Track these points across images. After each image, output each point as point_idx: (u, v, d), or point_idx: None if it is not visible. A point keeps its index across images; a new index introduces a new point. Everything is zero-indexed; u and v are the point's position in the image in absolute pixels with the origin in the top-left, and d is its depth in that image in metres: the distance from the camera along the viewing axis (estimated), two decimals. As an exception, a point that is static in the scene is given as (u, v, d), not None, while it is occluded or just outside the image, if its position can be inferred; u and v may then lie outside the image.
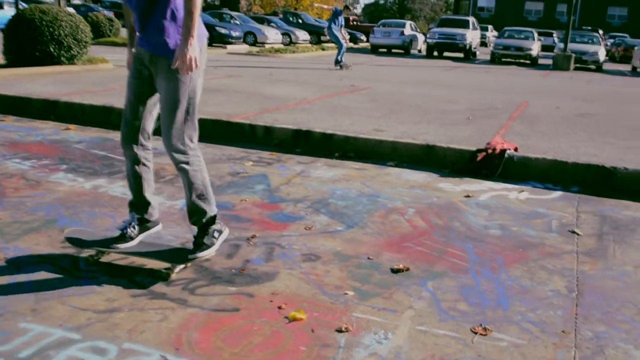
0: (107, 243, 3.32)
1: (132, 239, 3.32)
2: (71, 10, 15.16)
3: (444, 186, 5.26)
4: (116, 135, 6.48)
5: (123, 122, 3.23)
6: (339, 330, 2.75)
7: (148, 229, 3.38)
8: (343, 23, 17.56)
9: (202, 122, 6.76)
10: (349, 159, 6.03)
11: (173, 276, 3.18)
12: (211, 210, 3.25)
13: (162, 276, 3.17)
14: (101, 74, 11.55)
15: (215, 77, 12.05)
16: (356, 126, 7.03)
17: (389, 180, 5.32)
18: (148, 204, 3.33)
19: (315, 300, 3.02)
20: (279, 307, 2.92)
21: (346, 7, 18.93)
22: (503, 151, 5.75)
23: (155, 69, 3.09)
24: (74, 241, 3.36)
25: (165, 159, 5.58)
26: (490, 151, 5.76)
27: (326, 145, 6.24)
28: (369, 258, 3.60)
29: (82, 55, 12.19)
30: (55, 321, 2.68)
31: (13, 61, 11.55)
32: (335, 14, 17.36)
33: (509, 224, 4.38)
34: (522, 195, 5.14)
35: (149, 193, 3.32)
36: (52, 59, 11.61)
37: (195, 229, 3.31)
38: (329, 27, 17.29)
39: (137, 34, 3.15)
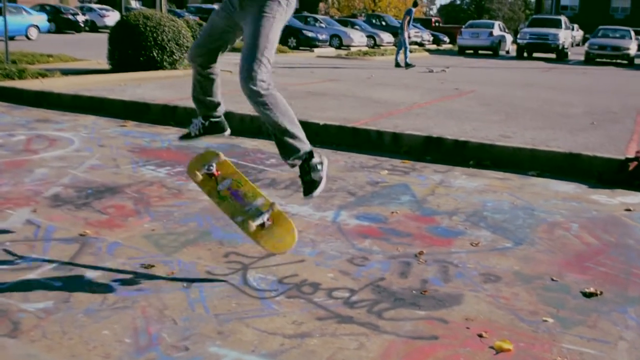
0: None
1: (197, 135, 3.54)
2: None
3: (598, 198, 4.88)
4: (242, 141, 6.42)
5: (195, 44, 3.34)
6: (555, 365, 2.47)
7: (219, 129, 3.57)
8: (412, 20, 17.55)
9: (327, 128, 6.62)
10: (484, 167, 5.71)
11: (353, 298, 2.97)
12: (303, 146, 3.21)
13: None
14: (203, 79, 11.60)
15: (316, 80, 11.93)
16: (480, 132, 6.70)
17: (538, 192, 4.97)
18: (218, 104, 3.49)
19: (515, 328, 2.75)
20: (480, 335, 2.66)
21: (415, 4, 18.50)
22: (656, 160, 5.31)
23: (245, 11, 3.17)
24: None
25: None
26: (642, 160, 5.33)
27: (459, 153, 5.94)
28: (552, 279, 3.29)
29: (184, 59, 12.29)
30: (246, 346, 2.51)
31: (117, 66, 11.75)
32: (410, 14, 17.14)
33: (689, 242, 3.98)
34: (688, 209, 4.71)
35: (218, 94, 3.47)
36: (155, 64, 11.74)
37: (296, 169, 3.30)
38: (402, 28, 17.13)
39: None
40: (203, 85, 3.41)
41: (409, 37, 17.22)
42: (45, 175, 4.91)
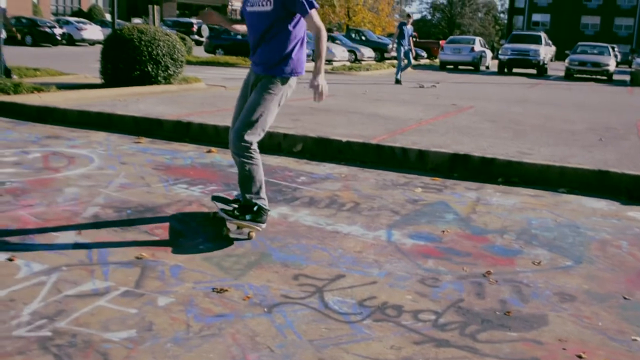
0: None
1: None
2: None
3: (635, 215, 4.92)
4: (265, 159, 6.32)
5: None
6: (663, 387, 2.46)
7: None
8: (411, 32, 17.25)
9: (350, 145, 6.59)
10: (513, 184, 5.73)
11: (440, 320, 2.93)
12: (262, 201, 3.89)
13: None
14: (201, 94, 11.53)
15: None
16: (496, 148, 6.74)
17: (575, 209, 5.00)
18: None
19: (609, 348, 2.74)
20: (579, 357, 2.64)
21: (408, 15, 18.22)
22: (684, 177, 5.39)
23: (256, 84, 3.88)
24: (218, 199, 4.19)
25: (332, 185, 5.40)
26: (671, 177, 5.40)
27: (485, 170, 5.95)
28: (625, 298, 3.30)
29: (178, 74, 12.18)
30: (352, 373, 2.46)
31: (110, 81, 11.56)
32: (402, 27, 16.95)
33: None
34: None
35: None
36: (150, 79, 11.58)
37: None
38: (399, 43, 16.86)
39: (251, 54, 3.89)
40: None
41: (398, 51, 16.98)
42: (77, 195, 4.79)
